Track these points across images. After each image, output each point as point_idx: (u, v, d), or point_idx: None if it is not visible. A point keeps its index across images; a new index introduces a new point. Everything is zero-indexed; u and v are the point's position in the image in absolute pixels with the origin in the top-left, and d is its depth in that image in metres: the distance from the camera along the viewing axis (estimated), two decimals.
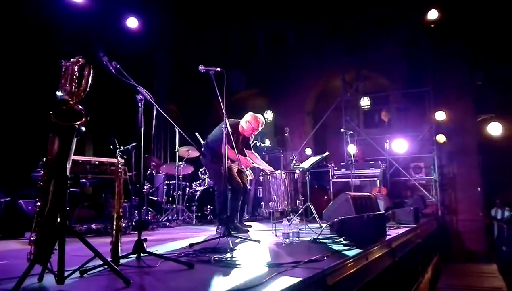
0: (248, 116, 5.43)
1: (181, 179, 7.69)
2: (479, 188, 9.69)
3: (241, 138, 5.51)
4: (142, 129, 3.21)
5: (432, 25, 9.79)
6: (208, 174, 7.92)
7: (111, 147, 5.09)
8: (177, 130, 7.19)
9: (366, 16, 10.32)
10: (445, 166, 10.13)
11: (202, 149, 5.59)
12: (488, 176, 9.85)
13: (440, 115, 9.84)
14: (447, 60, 10.01)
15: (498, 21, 9.43)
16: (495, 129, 9.74)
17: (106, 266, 2.59)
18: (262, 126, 5.60)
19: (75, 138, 2.45)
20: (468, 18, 9.64)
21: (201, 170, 8.09)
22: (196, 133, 6.59)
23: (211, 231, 5.81)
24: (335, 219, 4.35)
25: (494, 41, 9.73)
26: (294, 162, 6.07)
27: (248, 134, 5.56)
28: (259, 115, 5.51)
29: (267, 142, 10.91)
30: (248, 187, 7.35)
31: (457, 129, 9.92)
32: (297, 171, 5.45)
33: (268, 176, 5.18)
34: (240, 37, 12.10)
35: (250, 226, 6.45)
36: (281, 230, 4.18)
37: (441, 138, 9.87)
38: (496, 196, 9.88)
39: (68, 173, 2.43)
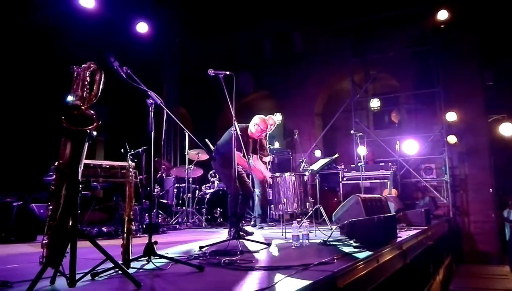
0: (256, 118, 5.44)
1: (191, 181, 7.71)
2: (491, 189, 9.58)
3: (250, 141, 5.52)
4: (152, 133, 3.23)
5: (442, 26, 9.71)
6: (218, 177, 7.96)
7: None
8: (186, 134, 7.22)
9: (374, 17, 10.28)
10: (457, 167, 10.02)
11: (213, 154, 5.61)
12: (500, 177, 9.73)
13: (451, 116, 9.72)
14: (457, 60, 9.91)
15: (508, 20, 9.34)
16: (506, 129, 9.63)
17: (117, 269, 2.62)
18: (274, 126, 5.67)
19: (87, 143, 2.48)
20: (477, 17, 9.56)
21: (210, 172, 8.10)
22: (206, 139, 6.59)
23: (221, 233, 5.82)
24: (345, 221, 4.33)
25: (505, 40, 9.63)
26: (303, 164, 6.08)
27: (257, 137, 5.56)
28: (270, 116, 5.53)
29: (276, 144, 10.90)
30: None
31: (468, 130, 9.81)
32: (306, 173, 5.46)
33: (278, 178, 5.20)
34: (248, 40, 12.13)
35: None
36: (291, 232, 4.18)
37: (452, 139, 9.76)
38: (508, 197, 9.77)
39: (79, 177, 2.46)
